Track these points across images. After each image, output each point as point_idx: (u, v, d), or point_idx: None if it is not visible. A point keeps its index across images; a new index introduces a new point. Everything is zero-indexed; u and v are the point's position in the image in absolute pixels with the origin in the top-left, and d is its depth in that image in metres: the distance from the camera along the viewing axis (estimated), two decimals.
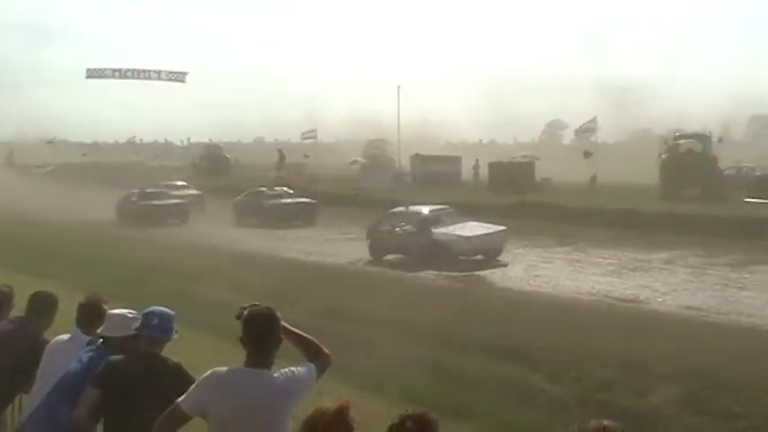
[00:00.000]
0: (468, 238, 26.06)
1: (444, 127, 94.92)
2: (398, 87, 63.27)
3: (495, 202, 36.91)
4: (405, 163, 56.17)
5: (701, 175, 39.65)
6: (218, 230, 34.56)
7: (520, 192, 39.63)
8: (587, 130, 54.47)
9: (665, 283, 21.78)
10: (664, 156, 42.73)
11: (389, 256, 27.18)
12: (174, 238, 31.56)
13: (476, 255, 26.15)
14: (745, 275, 22.60)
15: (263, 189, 40.70)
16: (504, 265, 25.74)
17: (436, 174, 49.05)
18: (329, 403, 3.99)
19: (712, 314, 18.09)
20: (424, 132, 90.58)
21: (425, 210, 28.22)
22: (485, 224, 27.66)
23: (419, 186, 46.74)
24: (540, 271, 24.39)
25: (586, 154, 47.63)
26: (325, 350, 4.82)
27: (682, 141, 44.21)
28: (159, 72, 63.18)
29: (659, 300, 19.88)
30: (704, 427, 10.49)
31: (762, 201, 34.66)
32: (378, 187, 46.29)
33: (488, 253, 26.45)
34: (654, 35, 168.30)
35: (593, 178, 46.15)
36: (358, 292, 18.71)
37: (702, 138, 43.09)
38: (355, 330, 14.75)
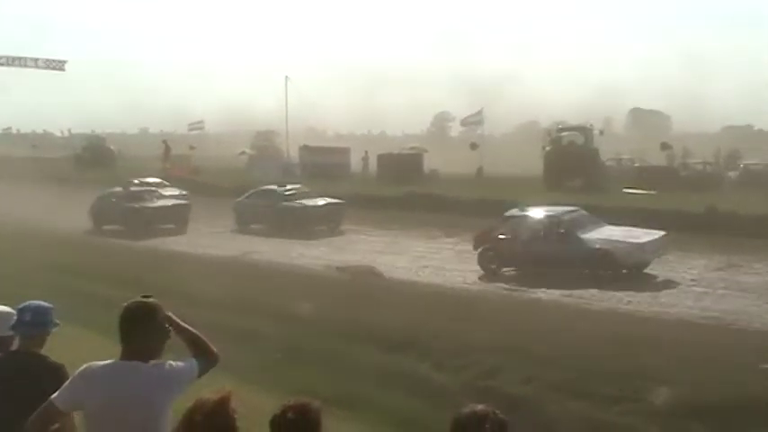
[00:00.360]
0: (640, 246, 21.49)
1: (333, 118, 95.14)
2: (286, 78, 62.78)
3: (384, 193, 37.11)
4: (294, 154, 55.88)
5: (584, 166, 40.65)
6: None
7: (408, 183, 39.89)
8: (473, 122, 55.26)
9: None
10: (547, 148, 43.60)
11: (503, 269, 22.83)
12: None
13: (646, 266, 21.85)
14: None
15: (274, 188, 33.75)
16: (675, 286, 20.52)
17: (325, 165, 48.89)
18: (210, 394, 3.90)
19: (593, 302, 18.60)
20: (313, 124, 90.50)
21: (560, 211, 23.24)
22: (631, 228, 22.60)
23: (308, 178, 46.62)
24: (427, 261, 24.60)
25: (473, 146, 48.29)
26: (213, 348, 4.71)
27: (565, 134, 45.22)
28: (36, 60, 60.76)
29: (543, 288, 20.30)
30: (584, 410, 10.77)
31: (640, 191, 35.83)
32: (266, 179, 45.95)
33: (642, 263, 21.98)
34: (538, 31, 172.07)
35: (480, 170, 46.84)
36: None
37: (584, 130, 44.14)
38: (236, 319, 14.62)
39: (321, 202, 32.52)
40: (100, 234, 31.89)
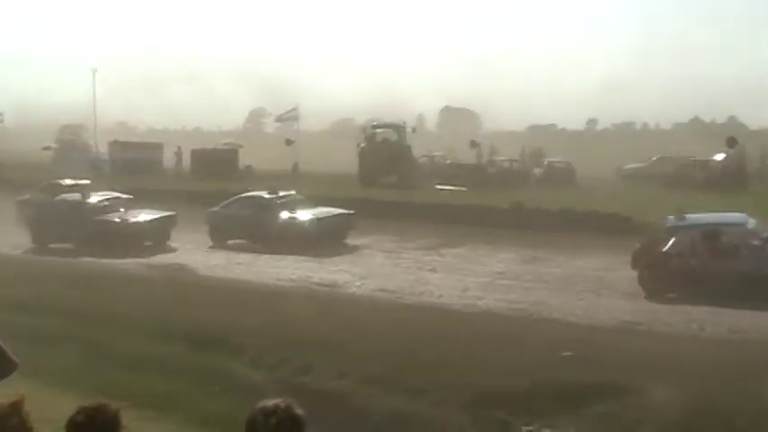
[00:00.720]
0: None
1: (145, 113, 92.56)
2: (93, 71, 60.49)
3: (197, 189, 36.39)
4: (103, 150, 53.96)
5: (397, 162, 41.42)
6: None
7: (223, 179, 39.35)
8: (288, 118, 55.14)
9: (364, 268, 22.52)
10: (362, 145, 44.14)
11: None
12: None
13: None
14: (436, 258, 23.90)
15: (262, 194, 27.66)
16: None
17: (136, 160, 47.42)
18: (2, 399, 3.70)
19: (406, 296, 18.93)
20: (124, 119, 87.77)
21: (739, 219, 19.24)
22: None
23: (117, 173, 45.18)
24: (240, 258, 24.33)
25: (288, 142, 48.12)
26: (11, 355, 4.45)
27: (378, 131, 45.85)
28: None
29: (357, 284, 20.51)
30: (396, 403, 10.97)
31: (451, 188, 36.86)
32: (72, 174, 44.16)
33: None
34: (349, 29, 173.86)
35: (296, 166, 46.83)
36: None
37: (397, 127, 44.90)
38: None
39: (329, 212, 27.04)
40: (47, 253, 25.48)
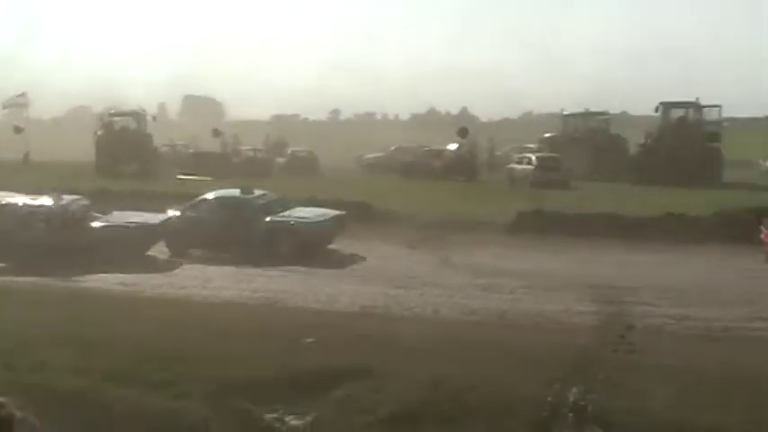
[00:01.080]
0: None
1: None
2: None
3: None
4: None
5: (137, 151, 40.65)
6: None
7: None
8: (16, 104, 52.15)
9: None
10: (99, 133, 42.88)
11: None
12: None
13: None
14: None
15: (236, 194, 23.44)
16: None
17: None
18: None
19: (148, 289, 18.42)
20: None
21: None
22: None
23: None
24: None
25: (17, 129, 45.67)
26: None
27: (117, 119, 44.81)
28: None
29: (94, 278, 19.68)
30: (136, 398, 10.72)
31: (194, 177, 36.32)
32: None
33: None
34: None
35: (27, 155, 44.47)
36: None
37: (137, 115, 44.06)
38: None
39: (324, 214, 23.20)
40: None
